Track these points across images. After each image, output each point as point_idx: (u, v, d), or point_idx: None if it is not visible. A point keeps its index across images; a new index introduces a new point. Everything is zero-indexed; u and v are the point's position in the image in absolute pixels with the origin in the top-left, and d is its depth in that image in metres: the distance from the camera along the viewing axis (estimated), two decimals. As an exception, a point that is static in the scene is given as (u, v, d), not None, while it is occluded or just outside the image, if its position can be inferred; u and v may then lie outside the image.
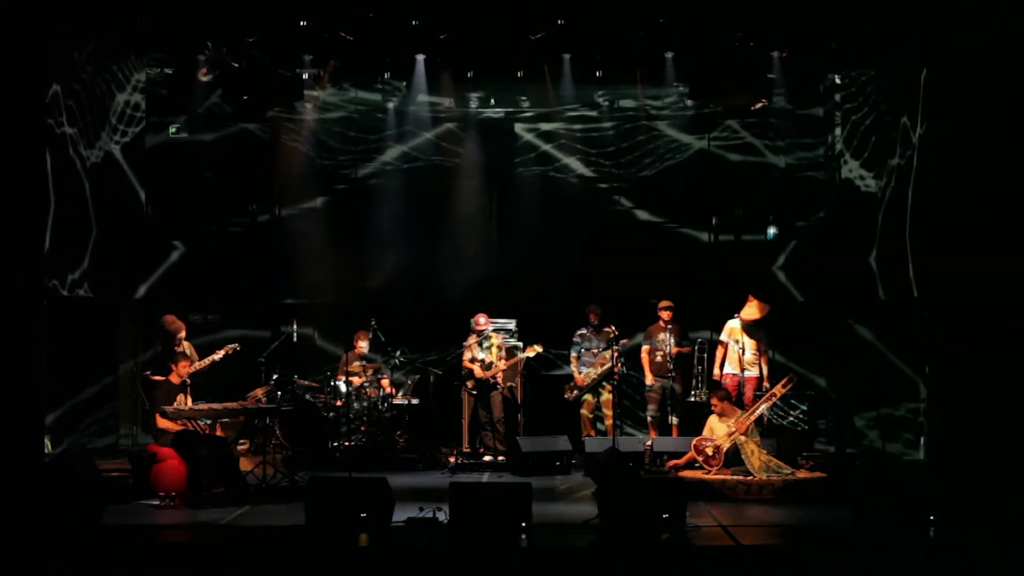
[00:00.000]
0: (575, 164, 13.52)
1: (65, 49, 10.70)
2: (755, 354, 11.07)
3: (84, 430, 11.47)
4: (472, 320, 11.78)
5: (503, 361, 11.62)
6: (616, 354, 11.08)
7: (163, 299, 12.58)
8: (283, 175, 13.33)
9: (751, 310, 11.14)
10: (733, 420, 9.78)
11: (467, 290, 12.84)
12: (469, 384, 11.59)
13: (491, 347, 11.61)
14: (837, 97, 12.64)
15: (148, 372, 10.74)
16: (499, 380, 11.57)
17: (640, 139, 13.39)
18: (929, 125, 10.36)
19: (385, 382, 11.65)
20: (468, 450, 11.60)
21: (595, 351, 11.63)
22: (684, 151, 13.37)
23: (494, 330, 11.81)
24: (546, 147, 13.57)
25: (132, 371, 12.23)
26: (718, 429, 9.85)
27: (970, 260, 9.20)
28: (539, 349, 11.63)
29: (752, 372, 11.07)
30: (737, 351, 11.10)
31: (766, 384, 10.87)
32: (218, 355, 10.70)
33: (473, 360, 11.58)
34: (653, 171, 13.37)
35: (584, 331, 11.78)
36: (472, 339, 11.68)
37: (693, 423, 10.98)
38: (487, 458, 11.31)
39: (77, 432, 11.29)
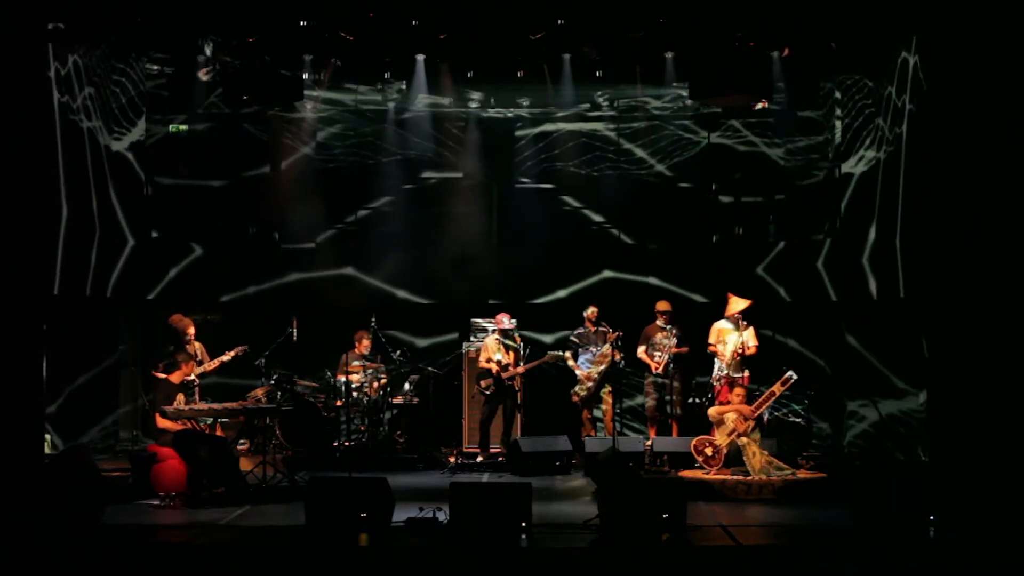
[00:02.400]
0: (576, 163, 13.51)
1: (71, 49, 10.75)
2: (739, 354, 11.01)
3: (84, 430, 11.48)
4: (494, 320, 11.73)
5: (521, 366, 11.56)
6: (616, 351, 11.06)
7: (165, 300, 12.63)
8: (283, 174, 13.34)
9: (734, 304, 11.14)
10: (734, 413, 9.76)
11: (467, 290, 12.83)
12: (483, 383, 11.52)
13: (511, 348, 11.53)
14: (837, 95, 12.66)
15: (155, 370, 10.74)
16: (516, 384, 11.52)
17: (647, 138, 13.41)
18: (910, 125, 10.55)
19: (382, 382, 11.61)
20: (483, 451, 11.51)
21: (593, 350, 11.58)
22: (690, 149, 13.38)
23: (494, 331, 11.77)
24: (547, 145, 13.58)
25: (132, 372, 12.24)
26: (728, 421, 9.81)
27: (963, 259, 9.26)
28: (559, 354, 11.62)
29: (744, 372, 11.01)
30: (728, 351, 11.07)
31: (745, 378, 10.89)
32: (227, 356, 10.74)
33: (491, 360, 11.54)
34: (657, 169, 13.39)
35: (581, 331, 11.73)
36: (491, 339, 11.63)
37: (693, 423, 10.98)
38: (480, 458, 11.29)
39: (77, 432, 11.30)
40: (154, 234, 12.76)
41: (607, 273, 13.23)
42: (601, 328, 11.52)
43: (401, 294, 13.21)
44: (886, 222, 11.28)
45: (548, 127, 13.54)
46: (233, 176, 13.22)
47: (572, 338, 11.74)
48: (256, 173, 13.31)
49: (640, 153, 13.42)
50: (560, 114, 13.37)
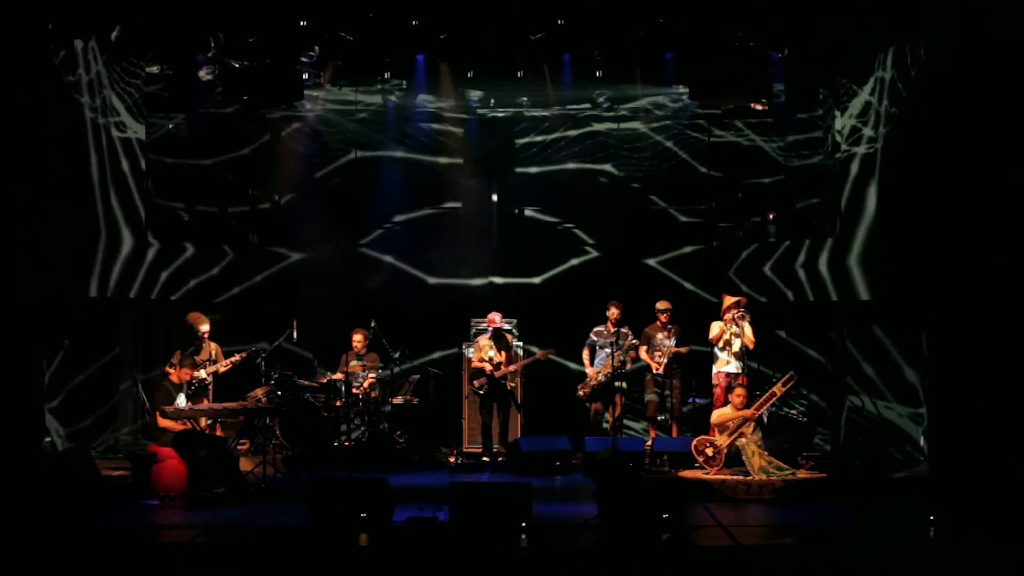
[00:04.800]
0: (575, 163, 13.52)
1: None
2: (741, 351, 11.01)
3: (84, 430, 11.48)
4: (486, 319, 11.72)
5: (514, 364, 11.53)
6: (630, 354, 11.07)
7: (162, 301, 12.64)
8: (283, 175, 13.35)
9: (726, 302, 11.15)
10: (738, 418, 9.75)
11: (467, 290, 12.84)
12: (476, 383, 11.50)
13: (503, 347, 11.51)
14: (831, 99, 12.68)
15: (168, 369, 10.77)
16: (508, 382, 11.49)
17: (645, 139, 13.43)
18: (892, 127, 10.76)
19: (371, 377, 11.60)
20: (486, 452, 11.51)
21: (608, 350, 11.36)
22: (690, 149, 13.40)
23: (487, 329, 11.74)
24: (546, 146, 13.60)
25: (131, 372, 12.24)
26: (732, 425, 9.79)
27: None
28: (552, 352, 11.59)
29: (737, 369, 11.01)
30: (725, 351, 11.07)
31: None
32: (237, 357, 10.75)
33: (483, 359, 11.52)
34: (656, 168, 13.41)
35: (601, 329, 11.61)
36: (484, 338, 11.62)
37: (693, 423, 10.97)
38: (485, 458, 11.30)
39: (78, 433, 11.31)
40: (150, 236, 12.73)
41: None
42: (623, 331, 11.48)
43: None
44: (876, 221, 11.39)
45: (547, 125, 13.55)
46: (233, 175, 13.25)
47: (592, 335, 11.65)
48: (256, 173, 13.33)
49: (640, 153, 13.45)
50: (560, 113, 13.37)
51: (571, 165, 13.51)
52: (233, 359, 10.76)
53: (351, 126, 13.44)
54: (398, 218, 13.40)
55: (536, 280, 13.30)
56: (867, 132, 11.74)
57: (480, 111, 13.44)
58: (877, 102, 11.49)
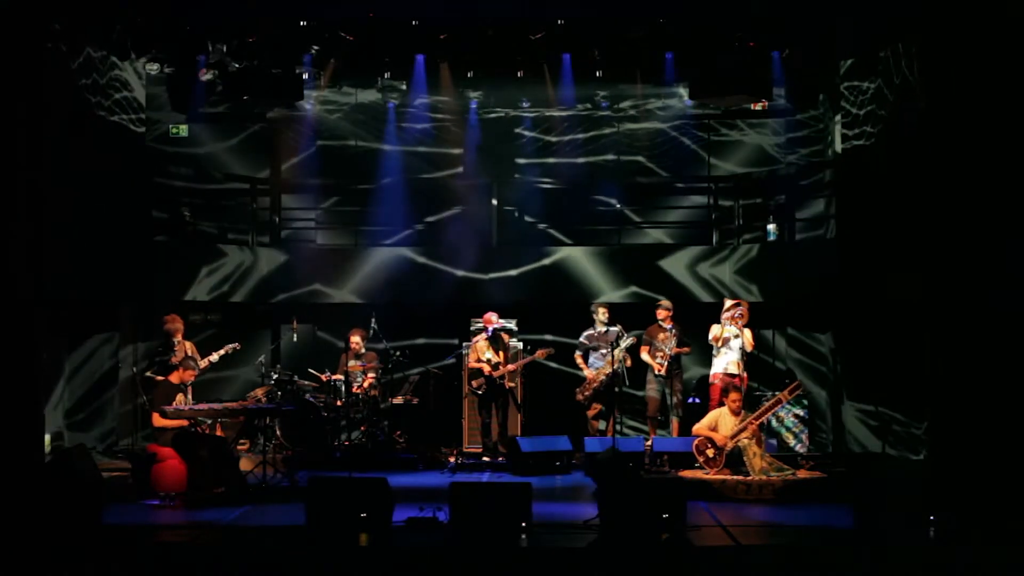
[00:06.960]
0: (575, 162, 13.53)
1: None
2: (741, 355, 11.01)
3: (84, 430, 11.48)
4: (482, 319, 11.72)
5: (512, 364, 11.54)
6: (624, 355, 11.07)
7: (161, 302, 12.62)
8: (283, 175, 13.36)
9: (727, 303, 11.18)
10: (739, 421, 9.74)
11: (467, 290, 12.85)
12: (475, 383, 11.52)
13: (500, 347, 11.52)
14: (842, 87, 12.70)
15: (150, 372, 10.81)
16: (506, 382, 11.50)
17: (644, 139, 13.45)
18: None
19: (370, 377, 11.60)
20: (487, 451, 11.51)
21: (603, 352, 11.44)
22: (689, 146, 13.41)
23: (483, 330, 11.75)
24: (546, 145, 13.61)
25: (132, 371, 12.23)
26: (724, 425, 9.80)
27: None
28: (551, 351, 11.60)
29: (736, 370, 11.02)
30: (724, 352, 11.08)
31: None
32: (215, 356, 10.78)
33: (480, 360, 11.53)
34: (654, 167, 13.42)
35: (591, 332, 11.64)
36: (480, 338, 11.63)
37: (693, 423, 10.96)
38: (486, 458, 11.31)
39: (78, 432, 11.31)
40: (158, 236, 12.72)
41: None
42: (613, 329, 11.48)
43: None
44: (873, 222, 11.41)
45: (546, 125, 13.56)
46: (233, 176, 13.27)
47: (582, 339, 11.67)
48: (257, 173, 13.35)
49: (640, 153, 13.47)
50: (560, 113, 13.39)
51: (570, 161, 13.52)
52: (211, 357, 10.80)
53: (350, 125, 13.44)
54: (399, 218, 13.37)
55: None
56: (860, 132, 11.75)
57: (480, 110, 13.45)
58: (869, 104, 11.49)
